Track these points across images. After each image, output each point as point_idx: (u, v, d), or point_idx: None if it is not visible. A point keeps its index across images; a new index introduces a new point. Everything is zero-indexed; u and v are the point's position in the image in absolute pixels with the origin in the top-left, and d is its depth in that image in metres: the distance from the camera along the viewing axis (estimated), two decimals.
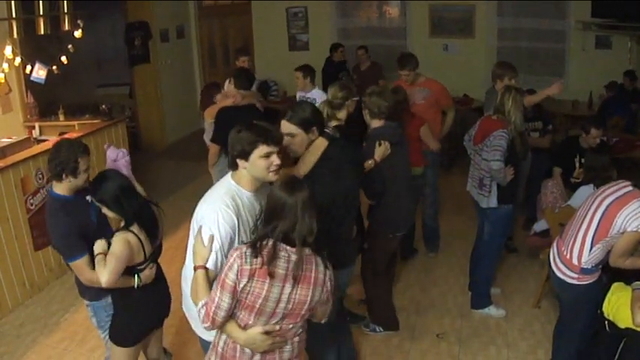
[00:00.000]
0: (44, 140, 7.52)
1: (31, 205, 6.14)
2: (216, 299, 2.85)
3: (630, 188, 3.91)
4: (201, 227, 3.13)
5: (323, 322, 3.20)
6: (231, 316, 2.93)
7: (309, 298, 2.89)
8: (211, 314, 2.87)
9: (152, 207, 3.80)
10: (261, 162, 3.13)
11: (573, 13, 10.22)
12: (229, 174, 3.31)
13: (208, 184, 3.67)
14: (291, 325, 2.97)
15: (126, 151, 4.29)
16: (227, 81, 6.96)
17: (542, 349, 5.06)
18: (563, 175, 6.16)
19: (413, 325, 5.45)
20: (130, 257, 3.54)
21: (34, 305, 6.04)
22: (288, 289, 2.84)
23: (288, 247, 2.82)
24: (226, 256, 3.00)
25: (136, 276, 3.64)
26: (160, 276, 3.86)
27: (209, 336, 3.32)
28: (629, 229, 3.78)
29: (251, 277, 2.79)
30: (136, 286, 3.65)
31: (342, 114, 5.01)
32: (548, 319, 5.46)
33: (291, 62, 11.88)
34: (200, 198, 3.29)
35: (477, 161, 5.40)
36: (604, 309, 4.01)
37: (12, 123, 8.13)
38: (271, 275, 2.79)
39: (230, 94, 6.35)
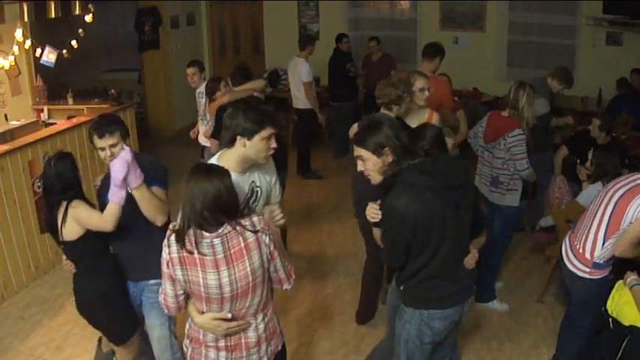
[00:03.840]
0: (52, 124, 7.54)
1: (38, 188, 6.16)
2: (163, 287, 2.96)
3: None
4: None
5: (286, 288, 3.18)
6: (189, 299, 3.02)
7: (249, 269, 2.88)
8: (163, 301, 3.00)
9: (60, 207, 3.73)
10: (262, 143, 3.20)
11: (584, 9, 10.17)
12: (214, 158, 3.37)
13: None
14: (247, 304, 2.98)
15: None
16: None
17: (545, 344, 5.06)
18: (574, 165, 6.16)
19: None
20: None
21: (38, 287, 6.08)
22: (224, 272, 2.84)
23: (206, 233, 2.82)
24: None
25: None
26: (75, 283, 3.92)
27: None
28: None
29: (182, 264, 2.85)
30: None
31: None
32: (552, 314, 5.47)
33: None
34: None
35: (486, 159, 5.38)
36: (608, 306, 4.00)
37: (21, 106, 8.15)
38: (202, 264, 2.83)
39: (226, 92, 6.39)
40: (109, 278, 3.85)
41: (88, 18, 7.69)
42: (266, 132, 3.18)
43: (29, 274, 6.13)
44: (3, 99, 7.84)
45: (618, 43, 10.04)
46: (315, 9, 12.29)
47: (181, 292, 2.95)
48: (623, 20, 9.41)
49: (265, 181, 3.58)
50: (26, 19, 7.08)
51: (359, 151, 3.35)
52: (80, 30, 7.73)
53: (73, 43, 7.76)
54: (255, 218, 2.95)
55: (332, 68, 9.66)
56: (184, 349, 3.23)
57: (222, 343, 3.04)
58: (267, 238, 2.94)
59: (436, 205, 3.17)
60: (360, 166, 3.39)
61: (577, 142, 6.42)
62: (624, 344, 3.86)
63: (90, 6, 7.76)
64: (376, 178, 3.38)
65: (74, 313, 5.49)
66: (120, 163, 3.36)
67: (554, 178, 6.11)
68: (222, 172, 2.90)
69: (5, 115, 7.74)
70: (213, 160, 3.34)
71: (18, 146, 6.03)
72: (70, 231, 3.67)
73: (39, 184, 6.16)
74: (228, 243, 2.84)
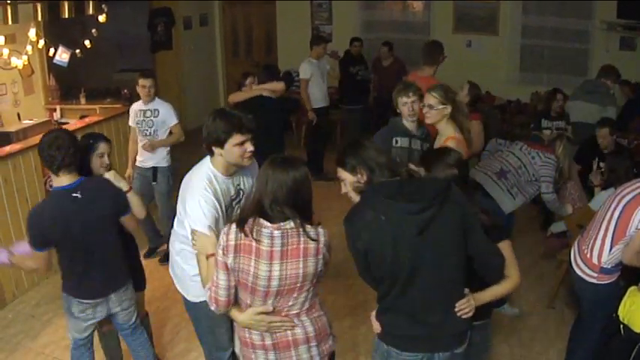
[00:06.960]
0: (65, 123, 7.57)
1: (50, 187, 6.17)
2: (215, 279, 2.96)
3: None
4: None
5: None
6: (236, 300, 3.02)
7: (300, 271, 2.90)
8: (213, 294, 2.98)
9: None
10: (235, 149, 3.30)
11: (598, 14, 10.11)
12: (207, 159, 3.48)
13: None
14: (291, 302, 2.99)
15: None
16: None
17: (555, 349, 5.05)
18: (581, 174, 6.17)
19: None
20: None
21: (49, 286, 6.09)
22: (276, 266, 2.87)
23: (267, 223, 2.87)
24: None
25: None
26: None
27: (193, 297, 3.62)
28: None
29: (236, 252, 2.87)
30: None
31: None
32: (562, 319, 5.45)
33: None
34: None
35: (504, 156, 5.56)
36: (619, 312, 3.98)
37: (34, 105, 8.19)
38: (257, 253, 2.85)
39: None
40: None
41: (102, 18, 7.72)
42: (234, 139, 3.26)
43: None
44: (16, 98, 7.88)
45: (632, 48, 9.98)
46: (329, 10, 12.28)
47: (234, 284, 2.95)
48: (636, 24, 9.36)
49: (248, 183, 3.63)
50: (40, 18, 7.12)
51: (339, 172, 3.21)
52: (93, 30, 7.76)
53: (86, 42, 7.79)
54: (320, 230, 2.99)
55: (341, 71, 9.67)
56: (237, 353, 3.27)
57: (268, 342, 3.04)
58: (327, 253, 3.00)
59: (386, 229, 2.83)
60: (343, 189, 3.25)
61: (582, 151, 6.41)
62: (635, 351, 3.84)
63: (103, 6, 7.80)
64: (356, 200, 3.15)
65: None
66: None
67: (566, 183, 6.08)
68: (299, 165, 2.97)
69: (18, 114, 7.79)
70: (205, 163, 3.49)
71: (30, 145, 6.05)
72: None
73: (51, 183, 6.18)
74: (288, 239, 2.88)
